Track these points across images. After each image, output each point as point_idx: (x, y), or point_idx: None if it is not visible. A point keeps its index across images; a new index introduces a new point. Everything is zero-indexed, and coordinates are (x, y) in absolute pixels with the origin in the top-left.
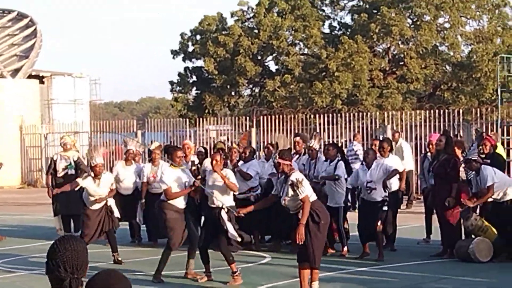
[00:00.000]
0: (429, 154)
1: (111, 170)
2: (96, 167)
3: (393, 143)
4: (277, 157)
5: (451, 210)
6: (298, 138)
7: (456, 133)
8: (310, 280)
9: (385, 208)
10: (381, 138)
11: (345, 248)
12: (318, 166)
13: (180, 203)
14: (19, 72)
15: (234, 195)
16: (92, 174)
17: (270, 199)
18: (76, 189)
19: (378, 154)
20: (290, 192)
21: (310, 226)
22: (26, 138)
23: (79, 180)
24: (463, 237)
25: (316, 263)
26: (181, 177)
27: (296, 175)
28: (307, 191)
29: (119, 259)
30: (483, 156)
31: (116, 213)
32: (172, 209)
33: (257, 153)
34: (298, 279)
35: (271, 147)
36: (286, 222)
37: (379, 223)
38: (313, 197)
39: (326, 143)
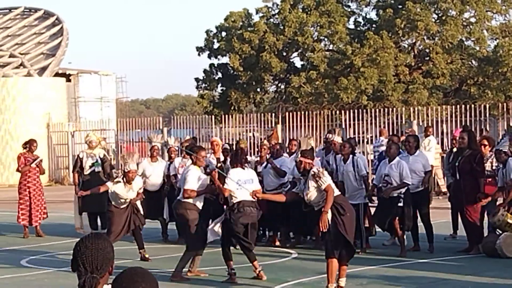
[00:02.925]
0: (454, 149)
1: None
2: (130, 173)
3: (421, 139)
4: (299, 155)
5: (475, 205)
6: (295, 142)
7: (482, 127)
8: (337, 276)
9: (401, 204)
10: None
11: (364, 245)
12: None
13: (199, 203)
14: (46, 71)
15: (264, 191)
16: (125, 180)
17: (292, 194)
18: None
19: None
20: (312, 184)
21: (335, 219)
22: (53, 136)
23: (109, 184)
24: (485, 233)
25: (346, 255)
26: (202, 177)
27: (317, 167)
28: (329, 181)
29: (146, 256)
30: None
31: (141, 212)
32: (194, 209)
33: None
34: (325, 274)
35: (295, 143)
36: (308, 219)
37: (395, 219)
38: (336, 191)
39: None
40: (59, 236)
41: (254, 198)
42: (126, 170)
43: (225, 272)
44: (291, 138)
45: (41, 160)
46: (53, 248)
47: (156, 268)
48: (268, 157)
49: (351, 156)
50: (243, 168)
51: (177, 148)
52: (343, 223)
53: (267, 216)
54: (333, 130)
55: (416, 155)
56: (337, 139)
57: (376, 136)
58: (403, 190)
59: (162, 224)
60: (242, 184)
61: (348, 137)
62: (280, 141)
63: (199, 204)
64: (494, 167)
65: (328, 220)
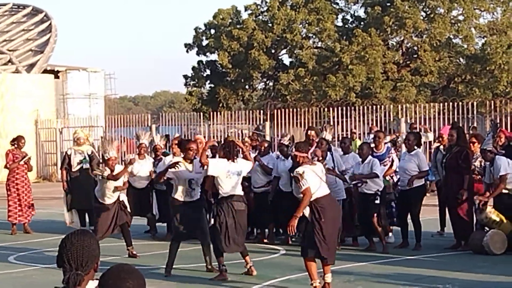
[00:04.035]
0: (441, 147)
1: (124, 164)
2: (110, 161)
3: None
4: (294, 149)
5: (463, 203)
6: (312, 132)
7: (470, 125)
8: (322, 273)
9: (377, 201)
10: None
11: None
12: (338, 158)
13: (182, 195)
14: (34, 67)
15: (252, 188)
16: (108, 171)
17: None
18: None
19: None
20: (294, 183)
21: (313, 222)
22: (41, 133)
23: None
24: (474, 229)
25: (323, 254)
26: (197, 174)
27: (302, 168)
28: (308, 184)
29: (134, 253)
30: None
31: (129, 208)
32: (176, 200)
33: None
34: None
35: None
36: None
37: (373, 217)
38: (320, 192)
39: (342, 136)
40: (47, 233)
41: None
42: (106, 158)
43: (232, 267)
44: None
45: (29, 158)
46: (41, 245)
47: (143, 265)
48: (255, 155)
49: (328, 152)
50: (234, 161)
51: (163, 146)
52: (320, 227)
53: (255, 213)
54: (324, 127)
55: (412, 154)
56: (328, 136)
57: (364, 133)
58: (380, 188)
59: (150, 221)
60: (231, 175)
61: (337, 134)
62: (268, 138)
63: (181, 196)
64: (483, 165)
65: (307, 219)
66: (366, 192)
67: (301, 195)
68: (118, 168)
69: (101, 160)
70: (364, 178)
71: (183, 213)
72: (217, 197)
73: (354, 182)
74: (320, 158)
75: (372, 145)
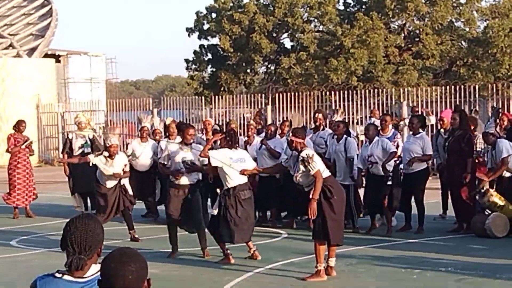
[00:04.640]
0: (442, 130)
1: (126, 147)
2: (111, 148)
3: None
4: (291, 134)
5: (466, 186)
6: (319, 115)
7: (472, 108)
8: (327, 256)
9: (389, 183)
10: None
11: (356, 225)
12: (350, 143)
13: (182, 180)
14: (35, 51)
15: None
16: (106, 154)
17: (277, 166)
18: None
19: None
20: (302, 168)
21: (322, 203)
22: (42, 117)
23: (90, 156)
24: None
25: (333, 240)
26: (186, 155)
27: (307, 151)
28: (318, 166)
29: (136, 236)
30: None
31: (131, 192)
32: (171, 184)
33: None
34: (314, 255)
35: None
36: (301, 198)
37: (385, 199)
38: (325, 173)
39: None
40: (49, 217)
41: (245, 174)
42: (107, 145)
43: (219, 252)
44: (284, 119)
45: (31, 142)
46: (43, 228)
47: (145, 249)
48: (262, 139)
49: (344, 136)
50: (236, 149)
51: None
52: (330, 206)
53: (259, 196)
54: (335, 110)
55: (417, 137)
56: (338, 119)
57: (366, 117)
58: (391, 168)
59: (150, 205)
60: (233, 163)
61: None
62: (270, 122)
63: (182, 181)
64: (479, 149)
65: (331, 206)
66: (377, 173)
67: (298, 179)
68: (119, 157)
69: (102, 147)
70: (419, 161)
71: (176, 199)
72: (220, 182)
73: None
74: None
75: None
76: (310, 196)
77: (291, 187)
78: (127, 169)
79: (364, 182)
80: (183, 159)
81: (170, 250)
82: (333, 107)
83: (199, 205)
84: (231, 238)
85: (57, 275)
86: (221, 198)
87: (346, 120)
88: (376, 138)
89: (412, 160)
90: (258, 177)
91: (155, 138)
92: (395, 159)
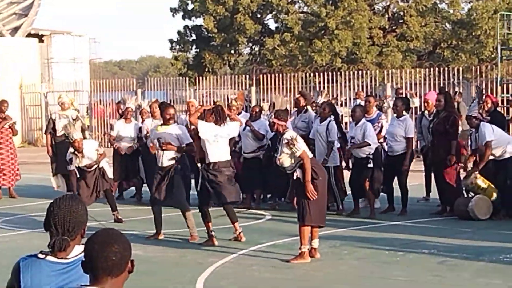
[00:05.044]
0: (426, 112)
1: (111, 128)
2: (75, 143)
3: (391, 102)
4: (273, 116)
5: (450, 168)
6: (301, 97)
7: (456, 90)
8: (310, 238)
9: (370, 165)
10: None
11: (340, 207)
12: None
13: (161, 161)
14: (18, 31)
15: (242, 153)
16: (72, 150)
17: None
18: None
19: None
20: (286, 150)
21: (304, 184)
22: (26, 97)
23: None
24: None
25: (314, 221)
26: (161, 135)
27: (290, 133)
28: (303, 147)
29: (119, 217)
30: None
31: (110, 174)
32: (157, 168)
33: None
34: (299, 236)
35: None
36: (284, 180)
37: (366, 181)
38: (309, 153)
39: (321, 102)
40: (33, 198)
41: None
42: (71, 141)
43: (203, 233)
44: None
45: (14, 123)
46: (26, 209)
47: (129, 230)
48: (247, 120)
49: (328, 119)
50: (223, 125)
51: (149, 110)
52: (314, 187)
53: (243, 178)
54: (320, 92)
55: (401, 119)
56: (322, 101)
57: (350, 99)
58: (371, 151)
59: (136, 185)
60: (218, 139)
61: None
62: (254, 103)
63: (161, 162)
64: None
65: (315, 187)
66: (359, 155)
67: (281, 162)
68: (87, 146)
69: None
70: (357, 148)
71: (157, 177)
72: (204, 162)
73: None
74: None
75: None
76: (302, 180)
77: (274, 169)
78: (101, 151)
79: (351, 164)
80: (159, 138)
81: (154, 231)
82: (317, 89)
83: (180, 185)
84: (219, 198)
85: (40, 256)
86: (202, 172)
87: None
88: (363, 121)
89: (352, 147)
90: (243, 158)
91: (142, 118)
92: (381, 140)
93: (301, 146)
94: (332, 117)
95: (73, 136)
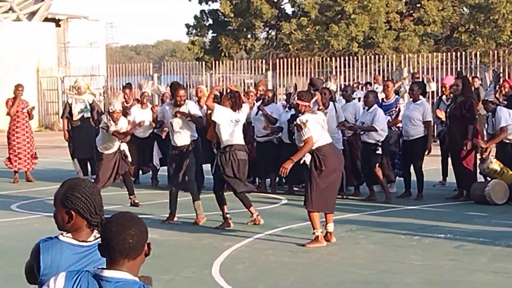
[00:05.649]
0: (444, 97)
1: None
2: (114, 113)
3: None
4: (296, 98)
5: (466, 153)
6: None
7: (473, 75)
8: (324, 222)
9: (379, 151)
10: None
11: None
12: (339, 109)
13: (176, 140)
14: (35, 15)
15: (255, 137)
16: (110, 119)
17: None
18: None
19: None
20: (297, 132)
21: (311, 171)
22: (42, 81)
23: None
24: (478, 180)
25: (315, 207)
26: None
27: (305, 117)
28: (311, 133)
29: (136, 201)
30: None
31: (129, 158)
32: (171, 147)
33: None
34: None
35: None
36: (300, 166)
37: (376, 166)
38: (323, 141)
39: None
40: (49, 182)
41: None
42: (110, 111)
43: (219, 217)
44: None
45: (32, 108)
46: (43, 193)
47: (146, 214)
48: (259, 104)
49: (330, 102)
50: (238, 111)
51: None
52: (320, 175)
53: (257, 162)
54: (328, 77)
55: (417, 103)
56: (332, 86)
57: (367, 83)
58: (381, 138)
59: (152, 170)
60: (233, 124)
61: (339, 84)
62: (271, 87)
63: (176, 141)
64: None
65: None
66: (367, 141)
67: (297, 142)
68: (122, 121)
69: (105, 112)
70: (362, 129)
71: (172, 157)
72: (219, 146)
73: (352, 132)
74: (321, 107)
75: (382, 95)
76: (309, 166)
77: (288, 154)
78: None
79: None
80: (169, 119)
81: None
82: (333, 73)
83: (192, 165)
84: (232, 187)
85: (61, 238)
86: (217, 157)
87: (343, 87)
88: (375, 106)
89: (356, 126)
90: (256, 143)
91: (163, 102)
92: (399, 124)
93: (308, 131)
94: (335, 98)
95: (114, 106)
